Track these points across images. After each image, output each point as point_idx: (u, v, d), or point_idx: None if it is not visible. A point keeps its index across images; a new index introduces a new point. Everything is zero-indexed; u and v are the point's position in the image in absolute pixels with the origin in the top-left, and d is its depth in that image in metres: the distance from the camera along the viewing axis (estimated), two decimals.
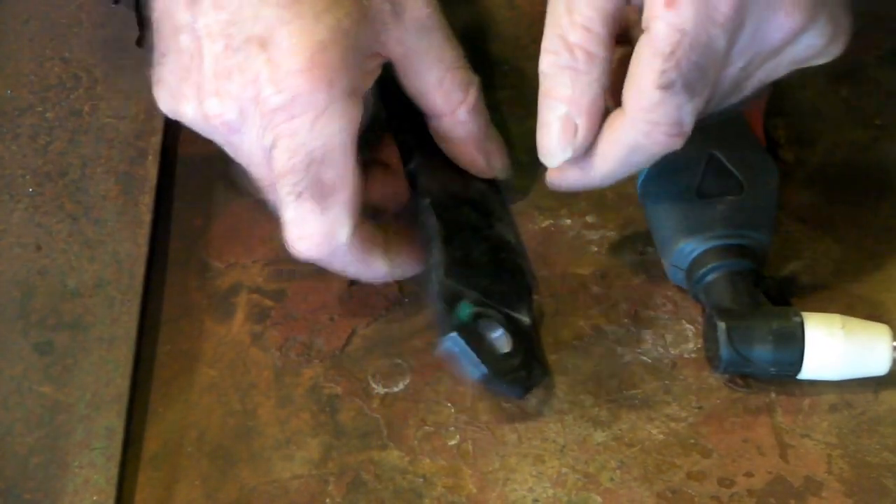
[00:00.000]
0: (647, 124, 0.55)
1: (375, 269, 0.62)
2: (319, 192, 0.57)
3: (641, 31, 0.54)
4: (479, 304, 0.61)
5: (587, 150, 0.57)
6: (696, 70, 0.54)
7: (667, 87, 0.54)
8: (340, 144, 0.57)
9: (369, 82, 0.60)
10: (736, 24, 0.54)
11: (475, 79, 0.63)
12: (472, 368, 0.59)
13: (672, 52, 0.53)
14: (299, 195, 0.57)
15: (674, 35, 0.53)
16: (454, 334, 0.59)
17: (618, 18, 0.55)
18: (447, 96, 0.62)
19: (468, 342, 0.59)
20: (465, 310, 0.60)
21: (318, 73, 0.56)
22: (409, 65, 0.61)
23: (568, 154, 0.56)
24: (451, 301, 0.60)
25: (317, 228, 0.58)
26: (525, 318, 0.62)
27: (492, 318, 0.61)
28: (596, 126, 0.56)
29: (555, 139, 0.56)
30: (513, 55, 0.74)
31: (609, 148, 0.57)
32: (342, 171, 0.58)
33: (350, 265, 0.61)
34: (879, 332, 0.61)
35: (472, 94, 0.63)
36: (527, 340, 0.62)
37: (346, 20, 0.57)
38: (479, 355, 0.59)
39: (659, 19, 0.53)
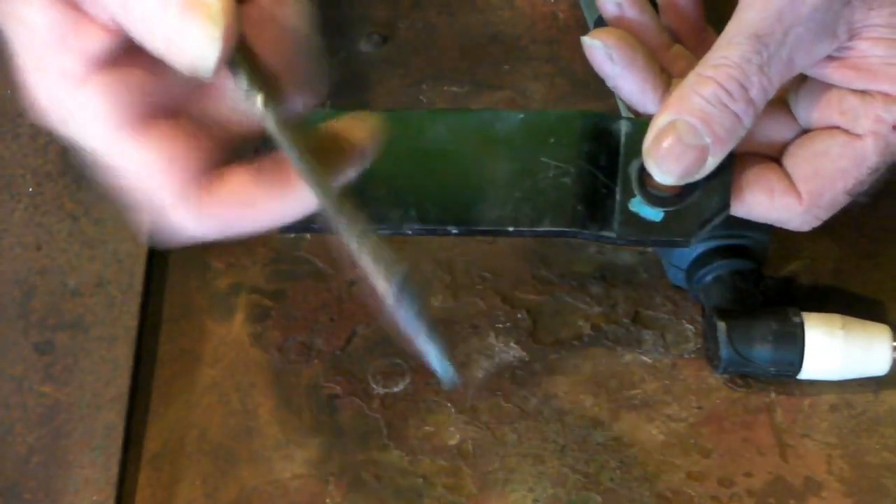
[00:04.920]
0: (815, 218, 0.55)
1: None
2: None
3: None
4: None
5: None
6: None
7: (855, 193, 0.54)
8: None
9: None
10: None
11: None
12: None
13: (877, 169, 0.54)
14: None
15: (888, 155, 0.53)
16: None
17: None
18: None
19: None
20: None
21: None
22: None
23: (682, 182, 0.54)
24: None
25: None
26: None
27: None
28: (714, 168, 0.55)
29: (684, 164, 0.53)
30: (513, 55, 0.74)
31: (756, 205, 0.55)
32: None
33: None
34: (879, 332, 0.61)
35: None
36: None
37: None
38: None
39: (882, 137, 0.53)
